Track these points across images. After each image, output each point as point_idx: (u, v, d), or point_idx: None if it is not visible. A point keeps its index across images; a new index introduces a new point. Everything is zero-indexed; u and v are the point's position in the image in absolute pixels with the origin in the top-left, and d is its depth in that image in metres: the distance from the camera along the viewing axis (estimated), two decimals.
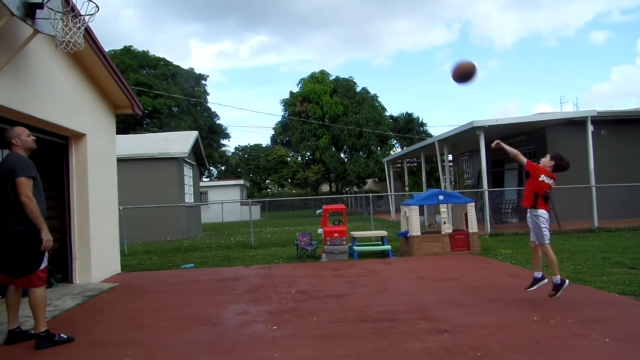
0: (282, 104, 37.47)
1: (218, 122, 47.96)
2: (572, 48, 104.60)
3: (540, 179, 4.76)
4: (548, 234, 4.78)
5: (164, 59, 42.78)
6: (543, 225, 4.73)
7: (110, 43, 68.53)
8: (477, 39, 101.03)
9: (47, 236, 3.94)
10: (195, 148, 18.86)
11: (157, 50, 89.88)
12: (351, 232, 9.57)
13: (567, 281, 4.72)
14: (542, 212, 4.76)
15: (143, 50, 41.87)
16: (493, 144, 5.22)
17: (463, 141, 17.15)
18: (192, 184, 18.50)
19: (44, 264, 4.03)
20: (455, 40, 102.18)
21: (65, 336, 4.04)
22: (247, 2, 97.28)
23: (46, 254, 4.06)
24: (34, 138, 4.24)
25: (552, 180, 4.81)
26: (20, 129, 4.14)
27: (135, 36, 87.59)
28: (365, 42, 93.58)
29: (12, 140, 4.02)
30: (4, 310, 5.14)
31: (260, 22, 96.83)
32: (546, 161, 4.92)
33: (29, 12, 4.56)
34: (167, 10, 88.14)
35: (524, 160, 5.00)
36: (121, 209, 9.41)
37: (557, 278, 4.68)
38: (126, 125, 35.02)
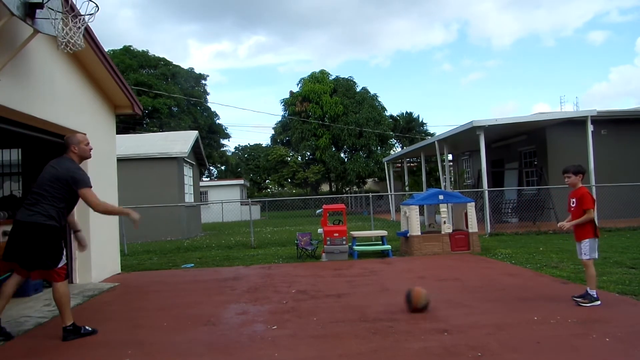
0: (282, 103, 37.52)
1: (218, 122, 47.97)
2: (571, 48, 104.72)
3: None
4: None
5: (163, 59, 42.75)
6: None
7: (108, 43, 68.34)
8: (476, 39, 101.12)
9: (135, 214, 4.22)
10: (195, 148, 18.86)
11: (156, 50, 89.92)
12: (351, 232, 9.57)
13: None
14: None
15: (143, 50, 41.86)
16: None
17: (463, 141, 17.16)
18: (192, 183, 18.50)
19: (63, 262, 4.11)
20: (453, 40, 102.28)
21: (90, 329, 4.19)
22: (244, 1, 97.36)
23: (65, 252, 4.17)
24: (92, 148, 4.43)
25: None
26: (81, 137, 4.30)
27: (133, 37, 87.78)
28: (364, 42, 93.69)
29: (71, 146, 4.19)
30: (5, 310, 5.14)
31: (257, 22, 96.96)
32: (577, 179, 4.89)
33: (29, 12, 4.56)
34: (164, 10, 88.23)
35: (586, 205, 4.76)
36: None
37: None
38: (126, 125, 35.02)
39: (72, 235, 6.96)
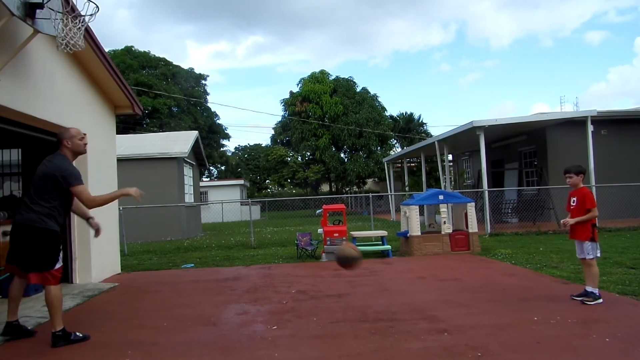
0: (282, 103, 37.54)
1: (218, 122, 47.99)
2: (569, 48, 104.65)
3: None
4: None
5: (164, 59, 42.77)
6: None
7: (107, 43, 68.35)
8: (474, 40, 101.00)
9: (136, 191, 4.06)
10: (195, 148, 18.85)
11: (155, 51, 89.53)
12: (351, 232, 9.58)
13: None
14: None
15: (144, 51, 41.91)
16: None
17: (463, 141, 17.16)
18: (192, 184, 18.49)
19: (59, 264, 4.01)
20: (451, 40, 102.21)
21: (80, 335, 4.05)
22: (241, 1, 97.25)
23: (61, 254, 4.07)
24: (87, 143, 4.26)
25: None
26: (75, 131, 4.12)
27: (131, 37, 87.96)
28: (362, 43, 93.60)
29: (63, 141, 4.01)
30: (4, 305, 5.13)
31: (254, 22, 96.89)
32: (578, 179, 4.94)
33: (29, 12, 4.55)
34: (160, 10, 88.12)
35: (589, 204, 4.79)
36: (121, 209, 9.42)
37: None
38: (126, 125, 35.01)
39: (71, 236, 6.99)
